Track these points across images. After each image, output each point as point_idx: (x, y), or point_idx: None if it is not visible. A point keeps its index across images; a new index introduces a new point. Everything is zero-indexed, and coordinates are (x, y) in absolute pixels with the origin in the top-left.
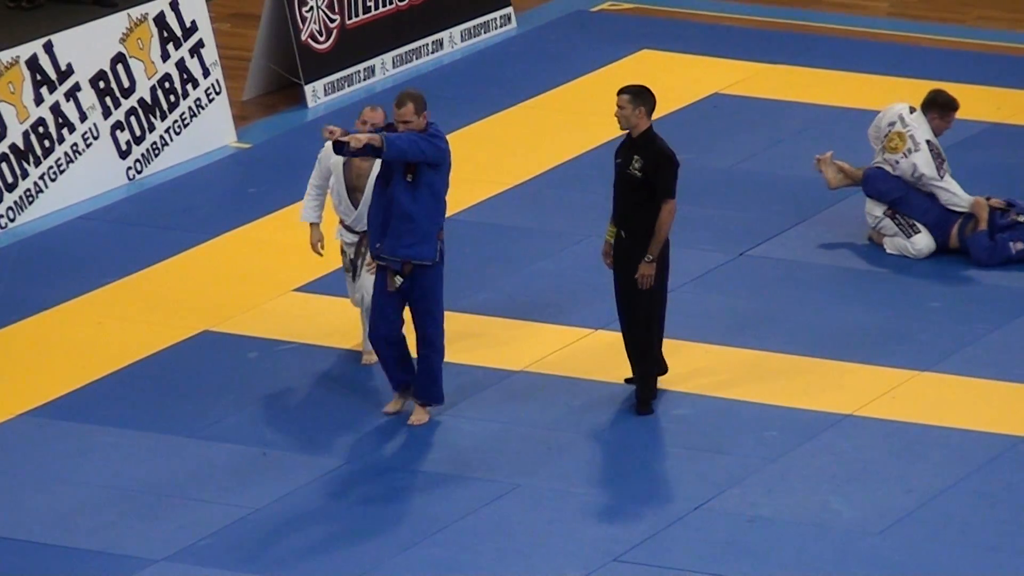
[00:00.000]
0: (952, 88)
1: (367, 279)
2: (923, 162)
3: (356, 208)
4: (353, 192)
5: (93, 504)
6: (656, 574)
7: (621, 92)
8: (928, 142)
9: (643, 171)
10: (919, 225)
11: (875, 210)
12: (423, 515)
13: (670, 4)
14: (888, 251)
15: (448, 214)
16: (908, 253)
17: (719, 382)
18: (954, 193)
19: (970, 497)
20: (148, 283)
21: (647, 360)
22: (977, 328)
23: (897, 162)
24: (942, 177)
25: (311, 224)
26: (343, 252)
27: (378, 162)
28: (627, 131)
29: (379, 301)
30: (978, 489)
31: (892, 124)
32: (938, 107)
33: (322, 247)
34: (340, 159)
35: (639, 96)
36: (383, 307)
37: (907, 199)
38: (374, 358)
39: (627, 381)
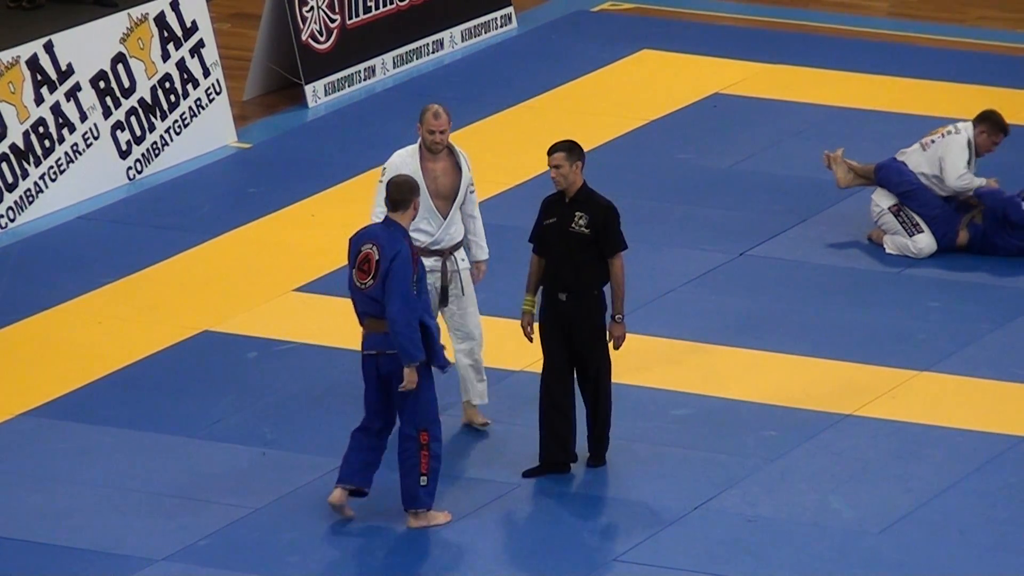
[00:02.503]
0: (952, 88)
1: (467, 307)
2: (958, 149)
3: (445, 218)
4: (438, 199)
5: (93, 504)
6: (656, 574)
7: (553, 150)
8: (969, 143)
9: (590, 227)
10: (922, 224)
11: (882, 202)
12: None
13: (670, 4)
14: (888, 251)
15: None
16: (909, 252)
17: (718, 382)
18: (976, 183)
19: (970, 497)
20: (148, 283)
21: (605, 438)
22: (977, 328)
23: (933, 140)
24: (971, 172)
25: None
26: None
27: (464, 165)
28: (562, 189)
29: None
30: (978, 489)
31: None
32: (989, 123)
33: None
34: (417, 166)
35: (573, 151)
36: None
37: (917, 194)
38: (478, 419)
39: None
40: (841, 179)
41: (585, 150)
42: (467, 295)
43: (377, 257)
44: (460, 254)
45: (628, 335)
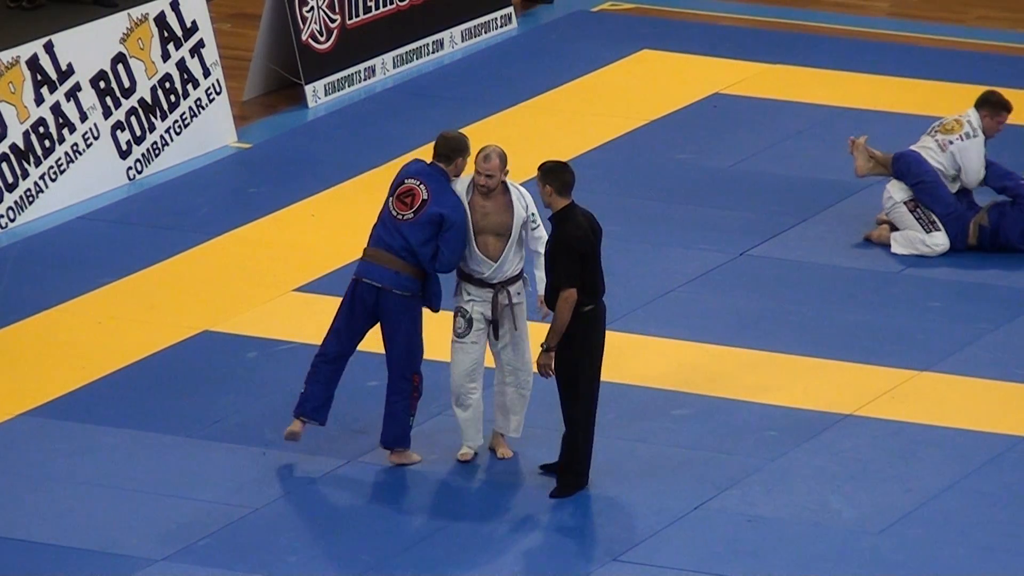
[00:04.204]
0: (952, 88)
1: (518, 342)
2: (976, 155)
3: (495, 259)
4: (487, 235)
5: (93, 504)
6: (656, 574)
7: (538, 168)
8: (983, 140)
9: (547, 254)
10: (939, 223)
11: (896, 195)
12: (423, 515)
13: (670, 4)
14: (895, 249)
15: None
16: (921, 249)
17: (719, 382)
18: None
19: (970, 497)
20: (148, 283)
21: (573, 465)
22: (977, 328)
23: (951, 142)
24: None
25: None
26: (460, 312)
27: (517, 204)
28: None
29: None
30: (978, 489)
31: (951, 116)
32: (989, 105)
33: None
34: (464, 198)
35: (547, 174)
36: None
37: (932, 188)
38: (469, 454)
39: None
40: (860, 167)
41: (585, 150)
42: (519, 330)
43: (425, 196)
44: (515, 288)
45: (629, 335)
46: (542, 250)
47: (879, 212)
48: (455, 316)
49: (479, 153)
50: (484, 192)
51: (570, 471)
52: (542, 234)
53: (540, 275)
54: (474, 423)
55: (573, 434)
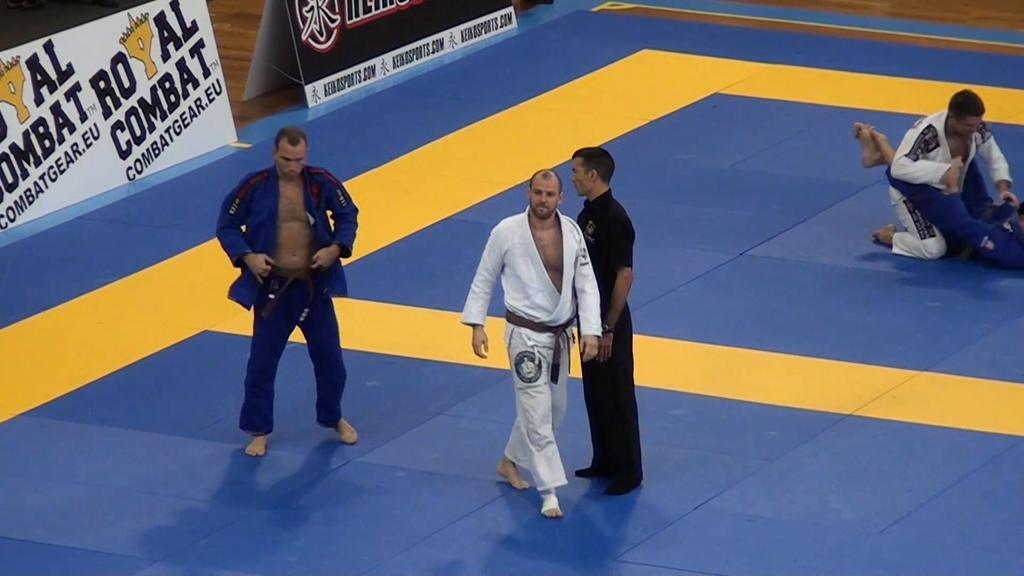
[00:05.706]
0: (952, 88)
1: (565, 384)
2: (905, 141)
3: (561, 292)
4: (550, 271)
5: (93, 504)
6: (656, 574)
7: (575, 155)
8: (930, 127)
9: (595, 237)
10: (935, 228)
11: (896, 194)
12: (423, 515)
13: (670, 4)
14: (896, 250)
15: (448, 214)
16: (919, 253)
17: (719, 382)
18: (913, 171)
19: (970, 497)
20: (148, 283)
21: (623, 453)
22: (977, 328)
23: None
24: (911, 159)
25: (474, 326)
26: (527, 356)
27: (568, 233)
28: (583, 195)
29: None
30: (978, 489)
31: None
32: (953, 107)
33: (486, 348)
34: (528, 234)
35: (591, 159)
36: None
37: (927, 200)
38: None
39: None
40: (867, 158)
41: None
42: (569, 370)
43: None
44: (570, 330)
45: None
46: (588, 289)
47: (883, 214)
48: (521, 361)
49: (537, 173)
50: (543, 214)
51: (629, 465)
52: (590, 273)
53: (585, 315)
54: (553, 461)
55: (619, 427)
